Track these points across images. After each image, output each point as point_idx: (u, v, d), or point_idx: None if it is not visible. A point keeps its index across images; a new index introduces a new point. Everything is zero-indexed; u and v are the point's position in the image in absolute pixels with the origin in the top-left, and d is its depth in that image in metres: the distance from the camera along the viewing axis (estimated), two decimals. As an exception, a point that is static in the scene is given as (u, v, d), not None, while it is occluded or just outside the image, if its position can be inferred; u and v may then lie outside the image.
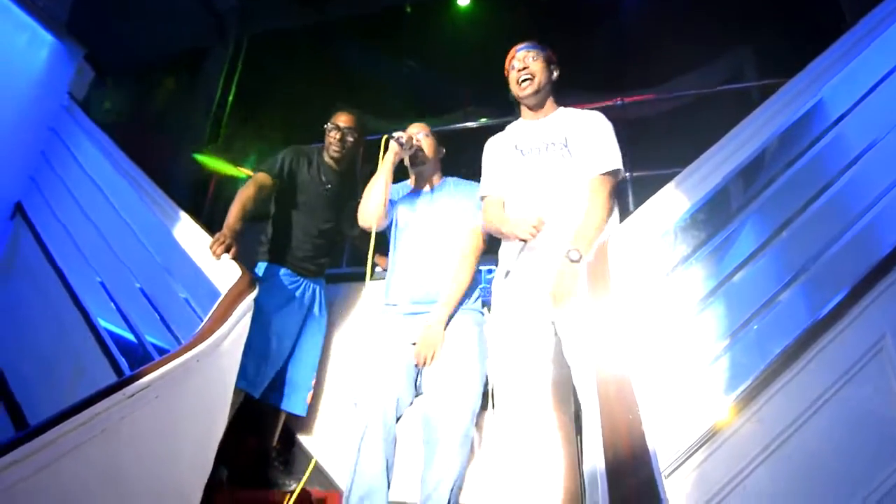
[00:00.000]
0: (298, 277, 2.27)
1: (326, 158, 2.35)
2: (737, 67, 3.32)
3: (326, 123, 2.32)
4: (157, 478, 1.46)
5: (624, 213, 2.06)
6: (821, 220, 1.50)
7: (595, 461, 1.41)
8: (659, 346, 1.45)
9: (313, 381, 2.26)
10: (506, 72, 1.92)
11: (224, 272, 1.89)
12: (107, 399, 1.30)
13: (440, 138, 2.19)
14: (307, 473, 2.02)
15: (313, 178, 2.31)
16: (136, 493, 1.39)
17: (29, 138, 3.03)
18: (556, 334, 1.66)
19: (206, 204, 3.30)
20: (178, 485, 1.54)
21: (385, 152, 2.03)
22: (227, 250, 1.93)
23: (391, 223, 2.13)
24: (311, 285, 2.32)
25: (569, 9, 3.62)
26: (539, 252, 1.69)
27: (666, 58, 3.20)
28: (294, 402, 2.20)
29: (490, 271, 2.33)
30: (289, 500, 1.94)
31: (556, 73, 1.90)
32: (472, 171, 2.05)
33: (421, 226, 2.06)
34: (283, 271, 2.23)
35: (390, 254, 2.11)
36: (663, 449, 1.32)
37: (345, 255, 2.89)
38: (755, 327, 1.44)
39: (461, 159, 2.27)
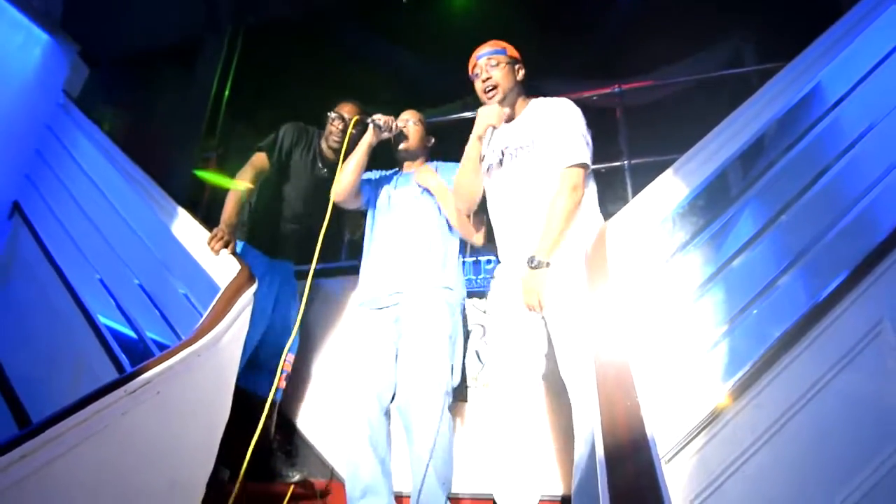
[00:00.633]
0: (269, 259, 2.25)
1: (325, 147, 2.32)
2: (735, 52, 3.29)
3: (330, 112, 2.28)
4: (159, 473, 1.47)
5: (622, 201, 2.06)
6: (819, 204, 1.50)
7: (588, 449, 1.43)
8: (658, 332, 1.45)
9: (287, 365, 2.15)
10: (470, 75, 1.91)
11: (223, 267, 1.89)
12: (108, 396, 1.31)
13: (439, 128, 2.19)
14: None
15: (306, 163, 2.29)
16: (139, 489, 1.40)
17: (25, 137, 3.02)
18: (546, 328, 1.68)
19: (204, 198, 3.29)
20: (180, 480, 1.55)
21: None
22: (226, 245, 1.93)
23: (368, 205, 2.16)
24: (282, 266, 2.30)
25: (566, -4, 3.59)
26: (518, 257, 1.71)
27: (664, 43, 3.17)
28: (265, 386, 2.03)
29: (489, 262, 2.34)
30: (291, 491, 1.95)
31: (521, 73, 1.89)
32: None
33: (395, 208, 2.08)
34: (253, 252, 2.20)
35: (366, 237, 2.12)
36: (663, 434, 1.32)
37: (343, 250, 2.89)
38: (754, 312, 1.44)
39: (460, 149, 2.26)
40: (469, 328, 2.29)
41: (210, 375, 1.64)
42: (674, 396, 1.38)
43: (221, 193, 2.13)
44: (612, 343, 1.20)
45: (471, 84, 1.92)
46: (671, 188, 1.60)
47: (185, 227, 2.14)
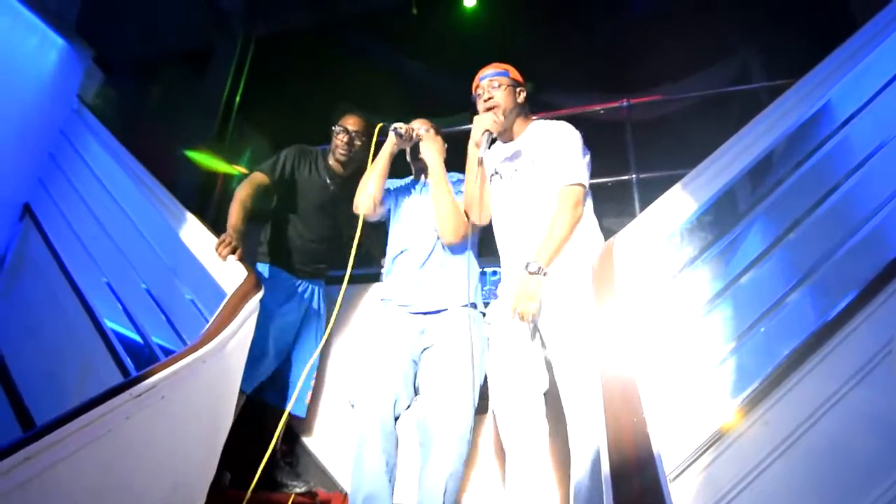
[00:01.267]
0: (296, 279, 2.26)
1: (332, 161, 2.32)
2: (744, 68, 3.30)
3: (334, 125, 2.29)
4: (162, 477, 1.46)
5: (630, 216, 2.05)
6: (828, 222, 1.49)
7: (589, 466, 1.41)
8: (665, 348, 1.44)
9: (312, 383, 2.24)
10: (473, 96, 1.95)
11: (230, 273, 1.89)
12: (113, 399, 1.30)
13: (449, 138, 2.20)
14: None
15: (314, 181, 2.29)
16: (141, 492, 1.40)
17: (38, 140, 3.05)
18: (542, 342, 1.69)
19: (213, 204, 3.32)
20: (182, 485, 1.54)
21: (375, 142, 2.08)
22: (233, 251, 1.94)
23: (389, 216, 2.16)
24: (310, 286, 2.31)
25: (575, 10, 3.61)
26: (517, 269, 1.72)
27: (673, 59, 3.19)
28: (293, 404, 2.14)
29: (494, 273, 2.33)
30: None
31: (522, 96, 1.92)
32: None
33: (414, 218, 2.07)
34: (280, 273, 2.22)
35: (388, 247, 2.12)
36: (670, 451, 1.31)
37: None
38: (763, 330, 1.43)
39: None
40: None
41: (214, 381, 1.64)
42: (681, 413, 1.36)
43: (231, 200, 2.14)
44: (618, 359, 1.19)
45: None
46: (680, 203, 1.60)
47: (194, 233, 2.15)
